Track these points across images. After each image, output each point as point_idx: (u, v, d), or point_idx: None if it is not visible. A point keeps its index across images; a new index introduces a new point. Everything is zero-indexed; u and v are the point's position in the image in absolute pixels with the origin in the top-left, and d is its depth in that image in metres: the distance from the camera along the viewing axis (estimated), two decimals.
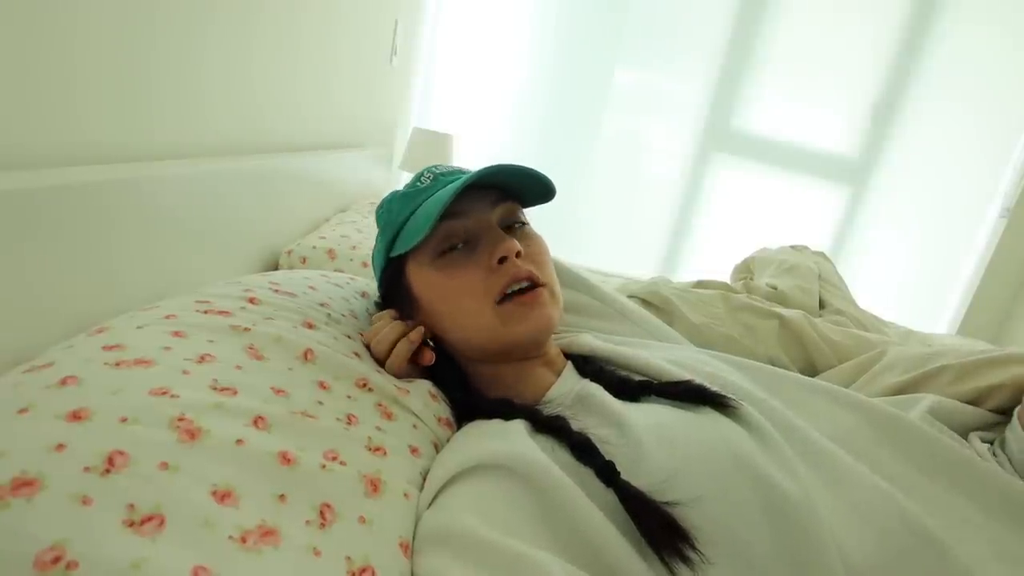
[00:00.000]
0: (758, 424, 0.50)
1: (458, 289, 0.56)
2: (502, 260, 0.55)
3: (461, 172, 0.63)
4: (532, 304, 0.55)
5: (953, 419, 0.63)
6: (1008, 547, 0.48)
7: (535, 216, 0.65)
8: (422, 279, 0.59)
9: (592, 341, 0.65)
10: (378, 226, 0.64)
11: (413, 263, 0.59)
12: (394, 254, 0.60)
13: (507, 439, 0.48)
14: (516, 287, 0.55)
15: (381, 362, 0.58)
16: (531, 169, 0.58)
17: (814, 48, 2.21)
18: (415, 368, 0.59)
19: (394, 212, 0.61)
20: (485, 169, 0.55)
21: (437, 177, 0.61)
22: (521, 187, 0.61)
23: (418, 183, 0.62)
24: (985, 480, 0.53)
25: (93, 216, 0.58)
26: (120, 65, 0.65)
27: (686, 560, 0.40)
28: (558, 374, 0.61)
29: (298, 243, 1.08)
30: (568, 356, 0.64)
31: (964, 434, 0.62)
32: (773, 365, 0.85)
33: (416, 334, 0.58)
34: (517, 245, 0.55)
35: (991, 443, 0.61)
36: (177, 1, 0.73)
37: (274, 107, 1.08)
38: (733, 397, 0.52)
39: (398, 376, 0.57)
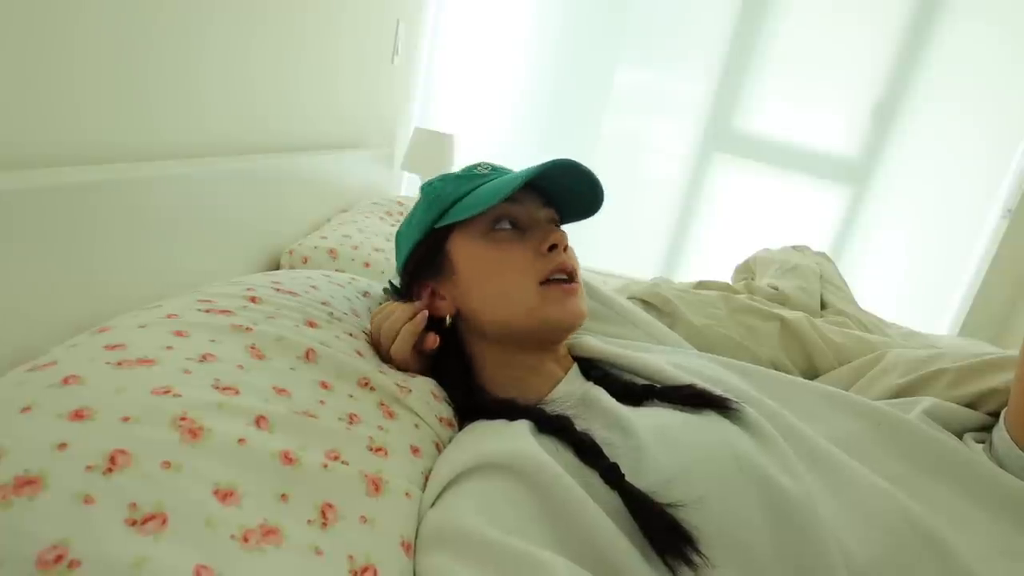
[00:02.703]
0: (760, 427, 0.51)
1: (505, 264, 0.58)
2: (552, 248, 0.58)
3: (508, 170, 0.66)
4: (572, 293, 0.58)
5: (950, 421, 0.63)
6: (1012, 544, 0.49)
7: None
8: (469, 250, 0.60)
9: (595, 343, 0.65)
10: (424, 199, 0.65)
11: (461, 235, 0.61)
12: (443, 223, 0.61)
13: (511, 439, 0.48)
14: (560, 276, 0.58)
15: (386, 346, 0.59)
16: (591, 172, 0.60)
17: (816, 48, 2.21)
18: (418, 357, 0.60)
19: (448, 189, 0.63)
20: (552, 162, 0.57)
21: (496, 168, 0.65)
22: (566, 198, 0.64)
23: (475, 170, 0.64)
24: (986, 479, 0.54)
25: (94, 216, 0.58)
26: (120, 65, 0.65)
27: (689, 562, 0.40)
28: (565, 372, 0.61)
29: (300, 243, 1.08)
30: (574, 358, 0.65)
31: (960, 436, 0.62)
32: (774, 366, 0.86)
33: (421, 317, 0.59)
34: (567, 238, 0.59)
35: (983, 444, 0.62)
36: (177, 1, 0.73)
37: (275, 107, 1.08)
38: (735, 400, 0.53)
39: (400, 363, 0.58)
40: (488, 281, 0.59)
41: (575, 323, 0.59)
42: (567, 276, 0.59)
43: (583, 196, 0.64)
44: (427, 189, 0.65)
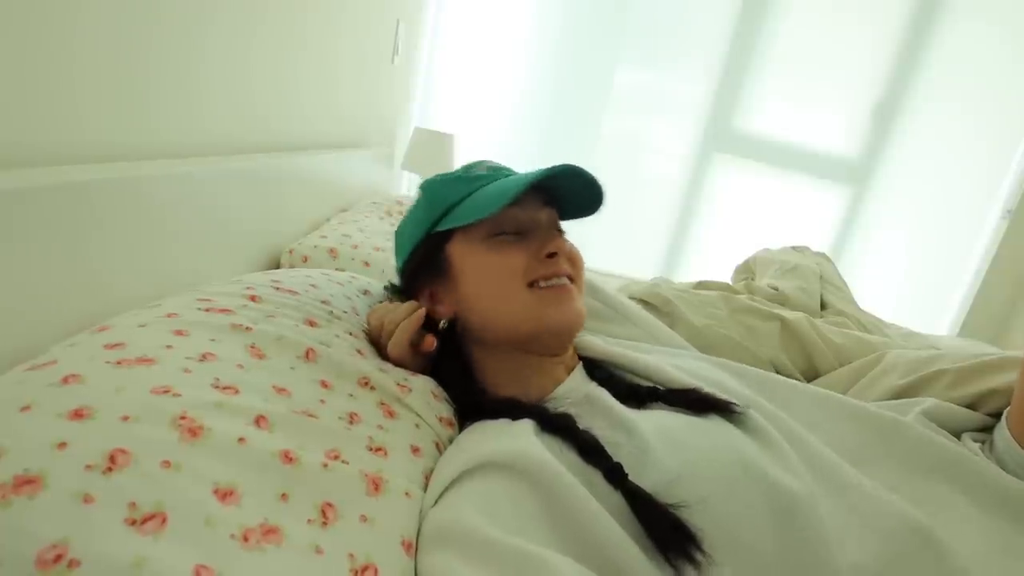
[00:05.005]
0: (763, 429, 0.51)
1: (502, 269, 0.58)
2: (551, 255, 0.58)
3: (509, 170, 0.66)
4: (564, 295, 0.58)
5: (949, 422, 0.63)
6: (1010, 544, 0.49)
7: None
8: (468, 255, 0.60)
9: (597, 343, 0.65)
10: (424, 200, 0.64)
11: (461, 239, 0.60)
12: (444, 227, 0.60)
13: (514, 438, 0.48)
14: (553, 281, 0.58)
15: (384, 342, 0.59)
16: (594, 178, 0.60)
17: (816, 48, 2.21)
18: (415, 356, 0.59)
19: (448, 191, 0.62)
20: (557, 168, 0.56)
21: (496, 169, 0.64)
22: (567, 197, 0.63)
23: (474, 171, 0.64)
24: (983, 478, 0.54)
25: (94, 215, 0.57)
26: (120, 65, 0.65)
27: (692, 561, 0.40)
28: (569, 372, 0.61)
29: (300, 242, 1.08)
30: (580, 357, 0.65)
31: (958, 436, 0.62)
32: (774, 367, 0.86)
33: (419, 314, 0.59)
34: (567, 245, 0.59)
35: (982, 443, 0.61)
36: (177, 1, 0.73)
37: (275, 107, 1.08)
38: (738, 403, 0.53)
39: (397, 359, 0.58)
40: (486, 287, 0.59)
41: (574, 324, 0.59)
42: (564, 279, 0.59)
43: (581, 196, 0.64)
44: (427, 189, 0.65)
